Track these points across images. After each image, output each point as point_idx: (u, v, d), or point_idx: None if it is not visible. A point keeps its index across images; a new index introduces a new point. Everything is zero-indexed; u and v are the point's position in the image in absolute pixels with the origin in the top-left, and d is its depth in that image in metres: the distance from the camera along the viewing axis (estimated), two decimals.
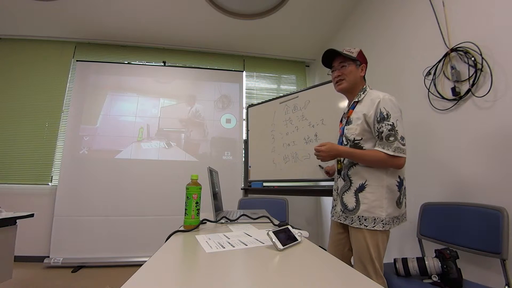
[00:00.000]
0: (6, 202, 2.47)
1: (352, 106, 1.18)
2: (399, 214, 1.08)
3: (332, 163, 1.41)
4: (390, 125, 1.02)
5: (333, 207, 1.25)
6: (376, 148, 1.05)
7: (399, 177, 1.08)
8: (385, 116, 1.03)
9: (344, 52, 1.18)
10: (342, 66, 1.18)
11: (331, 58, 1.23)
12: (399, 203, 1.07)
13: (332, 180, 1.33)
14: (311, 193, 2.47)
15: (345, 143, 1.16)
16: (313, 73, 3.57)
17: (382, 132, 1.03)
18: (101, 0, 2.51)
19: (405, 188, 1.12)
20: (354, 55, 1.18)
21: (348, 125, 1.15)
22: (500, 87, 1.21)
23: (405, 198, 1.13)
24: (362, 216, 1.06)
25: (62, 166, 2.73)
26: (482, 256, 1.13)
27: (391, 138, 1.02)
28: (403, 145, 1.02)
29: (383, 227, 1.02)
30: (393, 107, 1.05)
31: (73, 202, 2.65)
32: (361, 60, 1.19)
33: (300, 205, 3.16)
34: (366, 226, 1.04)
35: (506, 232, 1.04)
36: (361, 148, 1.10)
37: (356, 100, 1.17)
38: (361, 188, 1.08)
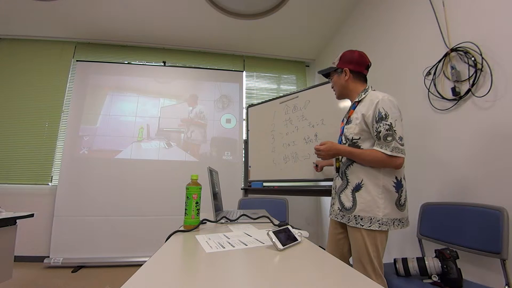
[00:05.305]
0: (6, 202, 2.47)
1: (353, 106, 1.19)
2: (401, 217, 1.05)
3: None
4: (388, 125, 1.02)
5: (331, 205, 1.26)
6: (374, 148, 1.05)
7: (396, 177, 1.06)
8: (384, 116, 1.03)
9: (331, 64, 1.29)
10: (331, 79, 1.31)
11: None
12: (399, 205, 1.05)
13: (331, 179, 1.34)
14: (311, 193, 2.47)
15: (344, 142, 1.18)
16: (313, 73, 3.56)
17: (380, 132, 1.03)
18: (101, 0, 2.52)
19: (405, 191, 1.09)
20: (335, 64, 1.25)
21: (348, 124, 1.17)
22: (500, 87, 1.21)
23: (407, 201, 1.10)
24: (359, 216, 1.06)
25: (62, 166, 2.73)
26: (482, 256, 1.13)
27: (389, 138, 1.02)
28: (402, 145, 1.02)
29: (379, 227, 1.02)
30: (392, 107, 1.05)
31: (73, 202, 2.65)
32: (341, 66, 1.23)
33: (300, 205, 3.16)
34: (362, 226, 1.04)
35: (506, 232, 1.04)
36: (358, 147, 1.11)
37: (357, 100, 1.18)
38: (358, 187, 1.08)
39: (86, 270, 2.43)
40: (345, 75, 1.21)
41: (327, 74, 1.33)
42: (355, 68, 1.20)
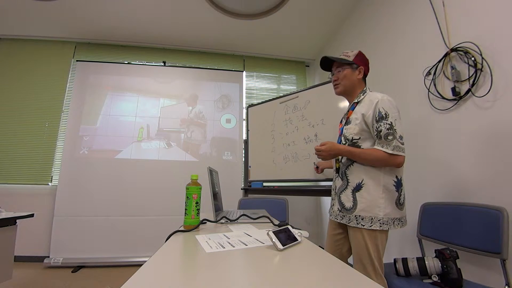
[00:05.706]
0: (6, 202, 2.47)
1: (352, 107, 1.20)
2: (400, 216, 1.07)
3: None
4: (389, 124, 1.03)
5: (331, 206, 1.26)
6: (375, 147, 1.06)
7: (396, 177, 1.07)
8: (384, 115, 1.04)
9: (341, 56, 1.21)
10: (338, 71, 1.23)
11: (330, 62, 1.27)
12: (399, 204, 1.06)
13: (331, 180, 1.34)
14: (311, 193, 2.47)
15: (344, 142, 1.18)
16: (313, 73, 3.56)
17: (381, 131, 1.04)
18: (101, 0, 2.52)
19: (404, 190, 1.11)
20: (351, 58, 1.20)
21: (347, 125, 1.17)
22: (500, 87, 1.21)
23: (405, 201, 1.11)
24: (359, 216, 1.06)
25: (62, 166, 2.73)
26: (482, 256, 1.13)
27: (390, 137, 1.03)
28: (402, 144, 1.03)
29: (380, 226, 1.02)
30: (391, 107, 1.06)
31: (73, 202, 2.65)
32: (358, 62, 1.20)
33: (300, 205, 3.16)
34: (363, 226, 1.04)
35: (506, 232, 1.04)
36: (359, 147, 1.11)
37: (356, 101, 1.18)
38: (358, 187, 1.09)
39: (86, 270, 2.43)
40: (359, 73, 1.20)
41: (327, 64, 1.28)
42: (365, 70, 1.22)
